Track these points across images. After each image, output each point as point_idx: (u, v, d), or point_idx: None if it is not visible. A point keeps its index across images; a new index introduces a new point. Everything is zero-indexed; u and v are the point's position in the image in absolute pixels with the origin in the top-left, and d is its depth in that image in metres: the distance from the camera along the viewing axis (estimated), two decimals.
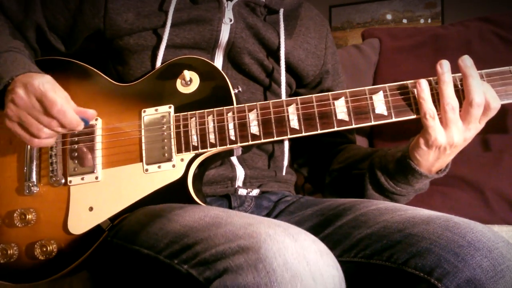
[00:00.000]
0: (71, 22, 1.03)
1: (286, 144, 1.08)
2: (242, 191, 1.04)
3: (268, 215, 1.06)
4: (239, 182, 1.04)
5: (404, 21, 3.77)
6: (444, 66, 0.87)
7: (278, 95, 1.09)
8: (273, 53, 1.06)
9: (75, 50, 1.09)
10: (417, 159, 0.91)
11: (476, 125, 0.87)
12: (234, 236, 0.66)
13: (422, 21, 3.73)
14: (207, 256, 0.66)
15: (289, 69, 1.09)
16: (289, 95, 1.14)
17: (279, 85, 1.06)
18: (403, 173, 0.94)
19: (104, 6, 0.99)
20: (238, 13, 1.02)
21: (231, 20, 1.00)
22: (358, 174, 1.05)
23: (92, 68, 1.01)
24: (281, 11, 1.05)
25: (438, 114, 0.87)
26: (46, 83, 0.84)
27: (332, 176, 1.15)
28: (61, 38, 1.06)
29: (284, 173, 1.10)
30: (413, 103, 0.89)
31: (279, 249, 0.62)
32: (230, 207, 1.02)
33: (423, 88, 0.87)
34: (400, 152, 0.95)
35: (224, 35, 1.01)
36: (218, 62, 1.03)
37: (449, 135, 0.87)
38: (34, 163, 0.95)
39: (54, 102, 0.83)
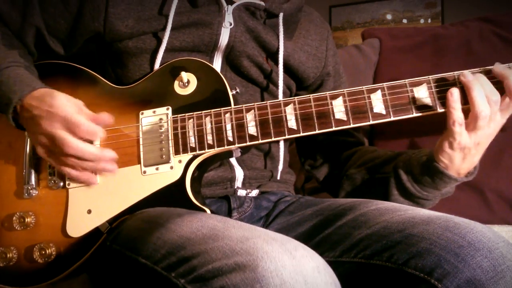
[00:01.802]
0: (72, 25, 1.02)
1: (281, 145, 1.07)
2: (242, 192, 1.04)
3: (267, 215, 1.06)
4: (238, 183, 1.04)
5: (404, 21, 3.77)
6: (467, 75, 0.86)
7: (277, 97, 1.08)
8: (273, 56, 1.06)
9: (73, 52, 1.08)
10: (443, 162, 0.91)
11: (496, 121, 0.87)
12: (231, 251, 0.66)
13: (422, 21, 3.72)
14: (204, 272, 0.66)
15: (290, 71, 1.09)
16: (288, 97, 1.14)
17: (277, 87, 1.06)
18: (430, 176, 0.94)
19: (104, 10, 0.98)
20: (238, 16, 1.02)
21: (231, 24, 1.00)
22: (381, 178, 1.04)
23: (90, 71, 1.01)
24: (281, 15, 1.05)
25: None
26: (65, 108, 0.86)
27: (351, 180, 1.14)
28: (61, 41, 1.06)
29: (281, 174, 1.09)
30: (412, 102, 0.89)
31: (276, 268, 0.62)
32: (229, 208, 1.02)
33: (455, 99, 0.86)
34: (425, 156, 0.95)
35: (224, 39, 1.00)
36: (217, 64, 1.03)
37: (476, 138, 0.87)
38: (33, 166, 0.95)
39: (79, 125, 0.86)
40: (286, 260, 0.63)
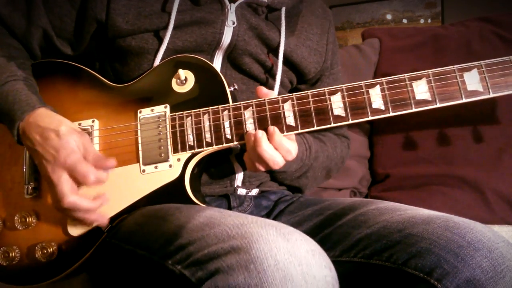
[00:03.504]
0: (77, 23, 1.01)
1: None
2: (241, 191, 1.04)
3: (268, 215, 1.06)
4: (238, 181, 1.04)
5: (404, 21, 3.76)
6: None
7: (280, 95, 1.08)
8: (274, 51, 1.05)
9: (81, 51, 1.07)
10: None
11: None
12: (227, 236, 0.66)
13: (422, 21, 3.72)
14: (200, 257, 0.66)
15: (292, 66, 1.08)
16: (289, 90, 1.13)
17: (280, 83, 1.06)
18: None
19: (106, 6, 0.97)
20: (241, 14, 1.01)
21: (234, 23, 0.99)
22: None
23: (88, 69, 1.01)
24: (283, 9, 1.04)
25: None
26: (71, 155, 0.84)
27: None
28: (68, 41, 1.04)
29: None
30: (411, 97, 0.87)
31: (271, 249, 0.62)
32: (229, 207, 1.02)
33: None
34: None
35: (227, 38, 0.99)
36: (217, 62, 1.02)
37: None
38: (33, 165, 0.95)
39: (86, 176, 0.84)
40: (280, 242, 0.64)
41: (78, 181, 0.85)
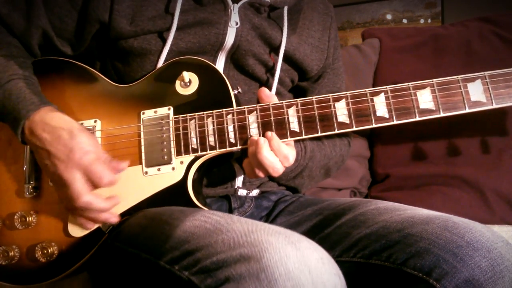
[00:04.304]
0: (79, 24, 1.00)
1: None
2: (242, 192, 1.04)
3: (268, 215, 1.06)
4: (238, 182, 1.04)
5: (404, 21, 3.76)
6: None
7: (280, 94, 1.08)
8: (276, 49, 1.04)
9: (81, 51, 1.06)
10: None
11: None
12: (235, 244, 0.66)
13: (422, 21, 3.71)
14: (208, 264, 0.66)
15: (294, 64, 1.08)
16: (290, 89, 1.14)
17: (281, 83, 1.05)
18: None
19: (109, 7, 0.97)
20: (244, 15, 1.00)
21: (237, 24, 0.99)
22: None
23: (91, 68, 1.01)
24: (285, 8, 1.04)
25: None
26: (87, 155, 0.85)
27: None
28: (69, 41, 1.03)
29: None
30: (415, 106, 0.88)
31: (281, 258, 0.62)
32: (230, 208, 1.02)
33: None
34: None
35: (230, 38, 0.99)
36: (220, 63, 1.02)
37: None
38: (34, 165, 0.95)
39: (101, 177, 0.85)
40: (290, 251, 0.64)
41: (93, 182, 0.85)
